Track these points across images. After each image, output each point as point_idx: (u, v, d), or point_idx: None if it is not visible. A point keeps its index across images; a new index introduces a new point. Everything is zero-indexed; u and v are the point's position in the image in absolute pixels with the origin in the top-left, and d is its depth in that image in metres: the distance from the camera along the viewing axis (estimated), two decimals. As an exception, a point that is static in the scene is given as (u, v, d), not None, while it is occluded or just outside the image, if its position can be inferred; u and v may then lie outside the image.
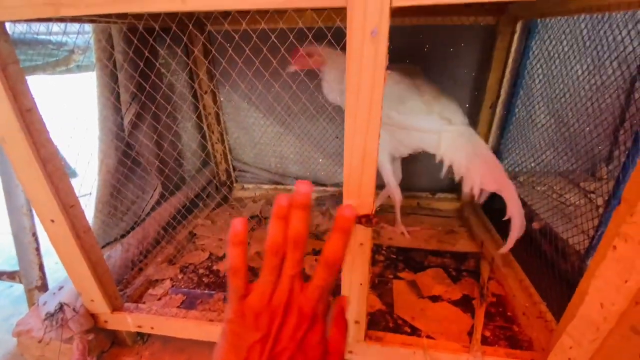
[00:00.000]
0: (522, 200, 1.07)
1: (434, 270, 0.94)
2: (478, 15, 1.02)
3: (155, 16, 0.75)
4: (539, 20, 1.01)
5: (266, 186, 1.44)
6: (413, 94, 0.91)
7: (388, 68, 0.40)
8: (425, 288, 0.87)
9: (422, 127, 0.91)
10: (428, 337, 0.74)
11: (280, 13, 0.98)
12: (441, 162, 0.94)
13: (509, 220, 0.84)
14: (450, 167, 0.93)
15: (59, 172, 0.60)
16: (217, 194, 1.37)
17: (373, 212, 0.52)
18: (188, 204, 1.12)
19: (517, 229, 0.82)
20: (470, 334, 0.75)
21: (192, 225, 1.15)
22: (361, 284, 0.60)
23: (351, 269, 0.59)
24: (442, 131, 0.90)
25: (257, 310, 0.27)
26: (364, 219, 0.52)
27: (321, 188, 1.39)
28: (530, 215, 1.02)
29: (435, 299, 0.85)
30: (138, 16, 0.79)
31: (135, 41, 0.76)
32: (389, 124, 0.91)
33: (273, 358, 0.26)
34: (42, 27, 0.77)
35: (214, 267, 1.00)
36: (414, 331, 0.76)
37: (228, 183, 1.45)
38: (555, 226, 0.95)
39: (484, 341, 0.72)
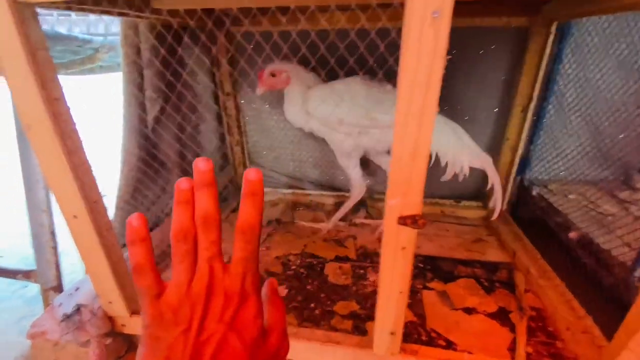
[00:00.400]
0: (556, 209, 1.03)
1: (465, 280, 0.89)
2: (510, 16, 0.98)
3: (179, 13, 0.74)
4: (572, 22, 0.97)
5: (284, 190, 1.41)
6: (387, 94, 0.93)
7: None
8: (457, 299, 0.82)
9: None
10: (465, 351, 0.68)
11: (302, 12, 0.96)
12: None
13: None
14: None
15: (84, 166, 0.58)
16: (235, 198, 1.34)
17: (420, 213, 0.48)
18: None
19: (499, 193, 0.95)
20: (510, 349, 0.69)
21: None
22: (401, 292, 0.56)
23: (391, 275, 0.54)
24: None
25: (175, 305, 0.24)
26: (409, 220, 0.48)
27: (340, 194, 1.36)
28: (566, 225, 0.97)
29: (469, 311, 0.79)
30: (169, 12, 0.77)
31: (168, 38, 0.75)
32: (373, 126, 0.92)
33: (199, 346, 0.23)
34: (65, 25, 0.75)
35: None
36: (449, 345, 0.71)
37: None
38: (595, 237, 0.90)
39: (527, 358, 0.67)
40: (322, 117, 0.88)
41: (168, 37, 0.78)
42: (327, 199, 1.36)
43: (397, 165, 0.45)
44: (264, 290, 0.30)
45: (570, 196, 1.06)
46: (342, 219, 1.21)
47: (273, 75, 0.95)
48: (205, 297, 0.24)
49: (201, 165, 0.24)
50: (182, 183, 0.24)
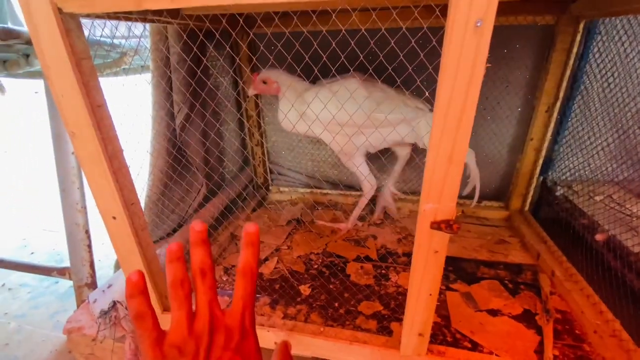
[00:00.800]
0: (581, 210, 1.02)
1: (489, 282, 0.89)
2: (537, 14, 0.97)
3: (204, 16, 0.75)
4: (599, 20, 0.95)
5: (302, 190, 1.43)
6: (385, 93, 0.95)
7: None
8: (482, 301, 0.82)
9: (408, 118, 0.97)
10: (491, 353, 0.69)
11: (324, 15, 0.97)
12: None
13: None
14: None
15: (123, 169, 0.60)
16: (254, 197, 1.36)
17: (454, 218, 0.48)
18: (229, 204, 1.11)
19: (477, 179, 1.03)
20: (537, 352, 0.69)
21: (232, 227, 1.14)
22: (430, 295, 0.56)
23: (422, 278, 0.55)
24: (421, 118, 0.98)
25: (180, 343, 0.26)
26: (443, 225, 0.48)
27: (359, 193, 1.36)
28: (592, 227, 0.96)
29: (494, 312, 0.79)
30: (190, 16, 0.79)
31: (195, 44, 0.76)
32: (373, 125, 0.93)
33: None
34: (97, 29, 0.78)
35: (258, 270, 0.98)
36: (475, 346, 0.71)
37: (265, 186, 1.44)
38: (623, 239, 0.88)
39: (555, 361, 0.67)
40: (324, 119, 0.88)
41: (194, 43, 0.79)
42: (346, 198, 1.37)
43: (431, 173, 0.46)
44: (279, 346, 0.34)
45: (597, 197, 1.05)
46: (360, 219, 1.22)
47: (264, 82, 0.98)
48: (209, 332, 0.27)
49: (197, 227, 0.29)
50: (172, 246, 0.28)
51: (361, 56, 0.61)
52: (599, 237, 0.92)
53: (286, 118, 0.98)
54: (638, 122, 0.98)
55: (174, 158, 0.92)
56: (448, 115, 0.42)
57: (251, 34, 0.76)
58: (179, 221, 1.02)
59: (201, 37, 0.76)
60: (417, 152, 1.12)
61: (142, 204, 0.90)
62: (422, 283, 0.56)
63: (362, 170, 1.06)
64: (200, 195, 1.04)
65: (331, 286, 0.91)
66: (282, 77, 0.98)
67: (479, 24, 0.36)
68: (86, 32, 0.55)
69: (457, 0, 0.36)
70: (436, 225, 0.49)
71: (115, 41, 0.99)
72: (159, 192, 0.88)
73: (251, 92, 1.02)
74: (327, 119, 0.86)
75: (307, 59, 0.64)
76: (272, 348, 0.62)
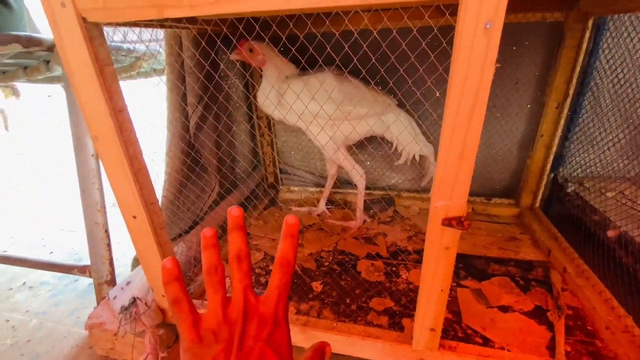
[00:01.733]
0: (593, 206, 1.01)
1: (500, 278, 0.89)
2: (546, 11, 0.97)
3: (221, 21, 0.77)
4: (608, 17, 0.95)
5: (312, 189, 1.44)
6: (355, 88, 1.00)
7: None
8: (493, 297, 0.83)
9: (377, 112, 1.03)
10: (503, 348, 0.70)
11: (327, 16, 0.98)
12: (387, 142, 1.15)
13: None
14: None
15: (143, 170, 0.62)
16: (265, 196, 1.38)
17: (465, 215, 0.49)
18: (244, 202, 1.14)
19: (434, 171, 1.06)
20: (549, 347, 0.70)
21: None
22: (442, 290, 0.58)
23: (433, 274, 0.56)
24: (389, 112, 1.06)
25: (215, 327, 0.27)
26: (454, 221, 0.50)
27: (367, 191, 1.37)
28: (603, 223, 0.96)
29: (504, 309, 0.80)
30: (207, 21, 0.81)
31: (212, 48, 0.78)
32: (343, 118, 0.99)
33: (242, 359, 0.26)
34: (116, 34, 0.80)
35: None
36: (486, 342, 0.72)
37: (276, 185, 1.47)
38: (635, 235, 0.88)
39: (566, 356, 0.68)
40: (298, 110, 0.93)
41: (210, 47, 0.82)
42: (355, 196, 1.38)
43: (443, 170, 0.47)
44: (316, 346, 0.32)
45: (608, 194, 1.04)
46: (370, 217, 1.24)
47: (251, 50, 0.98)
48: (243, 320, 0.27)
49: (234, 212, 0.29)
50: (207, 232, 0.29)
51: (373, 58, 0.63)
52: (610, 233, 0.92)
53: (263, 95, 1.01)
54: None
55: (190, 158, 0.95)
56: (458, 114, 0.43)
57: (266, 39, 0.78)
58: (194, 219, 1.05)
59: (218, 42, 0.78)
60: (386, 142, 1.19)
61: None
62: (433, 279, 0.57)
63: (349, 161, 1.11)
64: (215, 194, 1.07)
65: (342, 283, 0.92)
66: (270, 52, 0.99)
67: (488, 26, 0.37)
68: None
69: (466, 3, 0.37)
70: (447, 222, 0.50)
71: (131, 46, 1.03)
72: (176, 191, 0.91)
73: (233, 56, 1.00)
74: (303, 110, 0.90)
75: (320, 61, 0.66)
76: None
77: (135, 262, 1.06)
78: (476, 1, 0.37)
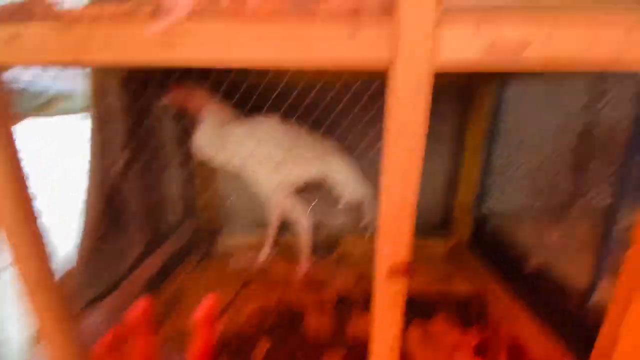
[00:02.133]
0: (513, 241, 1.11)
1: (442, 316, 0.91)
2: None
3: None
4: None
5: (254, 233, 1.37)
6: (296, 134, 1.03)
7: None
8: (440, 337, 0.84)
9: (321, 155, 1.05)
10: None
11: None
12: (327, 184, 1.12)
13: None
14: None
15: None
16: (202, 245, 1.28)
17: (409, 262, 0.50)
18: (173, 256, 1.03)
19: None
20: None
21: (179, 280, 1.05)
22: (393, 336, 0.56)
23: (383, 321, 0.55)
24: (328, 155, 1.07)
25: None
26: (400, 269, 0.50)
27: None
28: (524, 255, 1.04)
29: (452, 347, 0.81)
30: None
31: (139, 90, 0.73)
32: (292, 161, 1.01)
33: None
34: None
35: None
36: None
37: (214, 233, 1.37)
38: (550, 266, 0.97)
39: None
40: (243, 155, 0.94)
41: (139, 89, 0.77)
42: (300, 239, 1.35)
43: (385, 218, 0.47)
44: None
45: (524, 227, 1.16)
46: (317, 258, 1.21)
47: (190, 95, 0.96)
48: None
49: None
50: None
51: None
52: (531, 264, 1.00)
53: (202, 141, 0.98)
54: (546, 158, 1.13)
55: (110, 208, 0.84)
56: (397, 159, 0.45)
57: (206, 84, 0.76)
58: (116, 279, 0.91)
59: (141, 82, 0.73)
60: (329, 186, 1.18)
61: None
62: (384, 326, 0.55)
63: (295, 204, 1.10)
64: (140, 247, 0.95)
65: (289, 342, 0.86)
66: (208, 98, 0.97)
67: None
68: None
69: (395, 72, 0.40)
70: (393, 270, 0.50)
71: (42, 87, 0.92)
72: (93, 246, 0.79)
73: (164, 101, 0.94)
74: (248, 153, 0.91)
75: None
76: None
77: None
78: (403, 69, 0.40)
